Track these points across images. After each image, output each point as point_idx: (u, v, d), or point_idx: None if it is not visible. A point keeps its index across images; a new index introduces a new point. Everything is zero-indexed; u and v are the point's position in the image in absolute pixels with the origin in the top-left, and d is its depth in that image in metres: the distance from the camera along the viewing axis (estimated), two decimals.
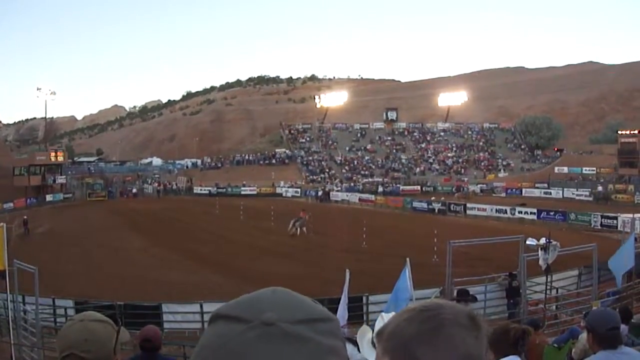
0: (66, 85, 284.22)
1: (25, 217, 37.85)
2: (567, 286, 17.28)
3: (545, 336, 9.18)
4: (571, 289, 17.30)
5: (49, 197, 57.50)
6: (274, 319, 0.79)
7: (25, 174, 58.79)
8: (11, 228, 28.85)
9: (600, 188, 53.11)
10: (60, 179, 62.51)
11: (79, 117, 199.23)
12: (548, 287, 14.94)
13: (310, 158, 75.13)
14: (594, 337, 3.57)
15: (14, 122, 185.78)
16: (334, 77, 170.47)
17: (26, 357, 12.26)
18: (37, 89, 70.32)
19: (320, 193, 57.65)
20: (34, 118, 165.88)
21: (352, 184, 64.73)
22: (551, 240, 14.97)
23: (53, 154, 64.58)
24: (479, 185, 60.67)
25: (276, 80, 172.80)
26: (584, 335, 5.73)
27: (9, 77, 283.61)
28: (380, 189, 60.38)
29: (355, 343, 2.17)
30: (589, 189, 53.56)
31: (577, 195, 51.86)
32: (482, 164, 73.76)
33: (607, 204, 46.09)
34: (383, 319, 1.90)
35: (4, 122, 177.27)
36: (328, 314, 0.86)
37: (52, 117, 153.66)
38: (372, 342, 1.98)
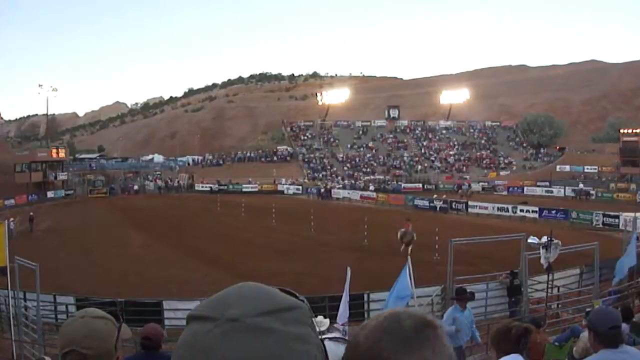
0: (68, 81, 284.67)
1: (31, 213, 37.99)
2: (568, 285, 17.27)
3: (547, 335, 9.18)
4: (572, 287, 17.30)
5: (50, 194, 57.58)
6: (237, 314, 0.82)
7: (27, 171, 58.79)
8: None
9: (581, 185, 53.28)
10: (62, 176, 62.53)
11: (81, 114, 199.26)
12: (549, 286, 14.95)
13: (312, 155, 75.11)
14: (595, 335, 3.57)
15: (16, 119, 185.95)
16: (336, 75, 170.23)
17: (27, 353, 12.28)
18: (39, 86, 70.45)
19: (322, 190, 57.70)
20: (36, 115, 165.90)
21: (353, 182, 64.71)
22: (553, 239, 14.97)
23: (54, 150, 64.60)
24: (480, 184, 60.63)
25: (278, 77, 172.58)
26: (585, 334, 5.73)
27: (11, 74, 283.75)
28: (372, 186, 60.32)
29: None
30: (571, 187, 54.02)
31: None
32: (484, 162, 73.71)
33: (589, 201, 46.40)
34: None
35: (6, 118, 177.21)
36: (294, 302, 0.88)
37: (54, 114, 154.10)
38: None
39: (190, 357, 0.82)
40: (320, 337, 0.94)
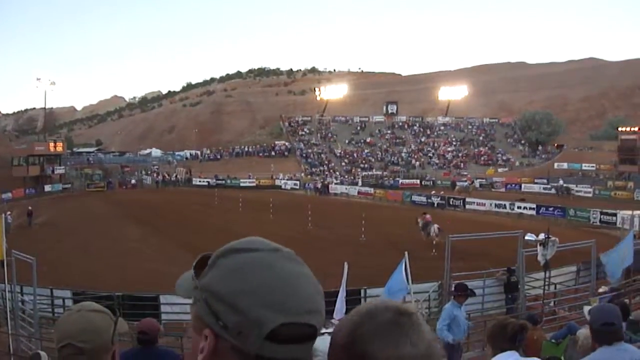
0: (66, 75, 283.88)
1: (30, 207, 37.85)
2: (565, 282, 17.29)
3: (543, 332, 9.20)
4: (569, 284, 17.31)
5: (47, 188, 57.39)
6: (277, 247, 1.03)
7: (24, 164, 58.57)
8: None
9: (561, 182, 53.37)
10: (59, 170, 62.34)
11: (79, 108, 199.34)
12: (546, 283, 14.95)
13: (310, 150, 75.03)
14: (592, 332, 3.56)
15: (13, 112, 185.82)
16: (335, 70, 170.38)
17: (24, 347, 12.26)
18: (37, 79, 69.91)
19: (319, 186, 57.64)
20: (33, 108, 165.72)
21: (352, 177, 64.64)
22: (550, 236, 14.98)
23: (52, 144, 64.21)
24: (477, 180, 60.63)
25: (276, 72, 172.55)
26: (582, 331, 5.73)
27: (9, 67, 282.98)
28: (360, 182, 60.34)
29: None
30: (551, 184, 54.19)
31: (577, 191, 51.88)
32: (482, 158, 73.72)
33: (570, 198, 46.47)
34: None
35: (3, 112, 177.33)
36: None
37: (52, 108, 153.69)
38: None
39: (255, 269, 0.96)
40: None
